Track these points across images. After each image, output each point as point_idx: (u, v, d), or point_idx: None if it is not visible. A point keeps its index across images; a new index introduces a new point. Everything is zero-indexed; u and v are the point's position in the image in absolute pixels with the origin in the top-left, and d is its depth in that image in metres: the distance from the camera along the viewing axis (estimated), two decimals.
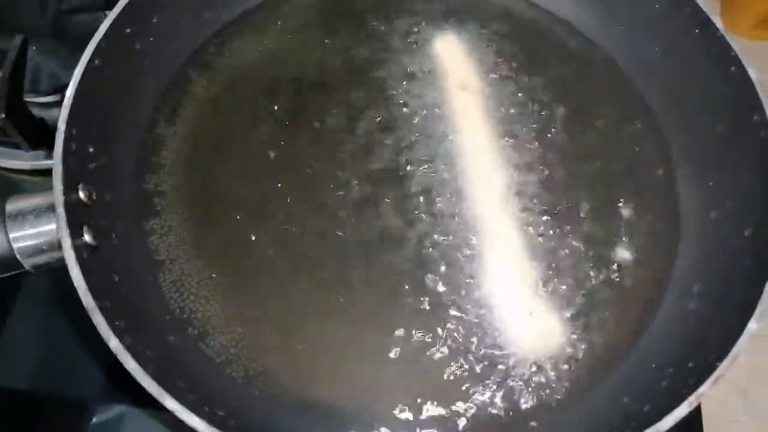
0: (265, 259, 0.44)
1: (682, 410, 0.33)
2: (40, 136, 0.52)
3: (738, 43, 0.45)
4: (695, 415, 0.47)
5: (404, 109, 0.49)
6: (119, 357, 0.33)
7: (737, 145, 0.45)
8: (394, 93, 0.50)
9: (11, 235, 0.36)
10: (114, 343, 0.34)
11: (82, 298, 0.34)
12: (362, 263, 0.44)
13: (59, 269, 0.38)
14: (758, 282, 0.38)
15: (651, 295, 0.44)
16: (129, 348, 0.34)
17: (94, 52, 0.41)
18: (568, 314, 0.43)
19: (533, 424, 0.41)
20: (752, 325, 0.36)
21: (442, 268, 0.44)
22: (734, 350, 0.35)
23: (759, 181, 0.43)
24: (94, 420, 0.49)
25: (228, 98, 0.49)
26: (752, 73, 0.43)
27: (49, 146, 0.52)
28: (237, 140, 0.48)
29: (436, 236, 0.45)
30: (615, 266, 0.45)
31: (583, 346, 0.43)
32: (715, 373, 0.35)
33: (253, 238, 0.45)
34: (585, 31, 0.54)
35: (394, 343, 0.42)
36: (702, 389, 0.34)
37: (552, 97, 0.51)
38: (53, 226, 0.37)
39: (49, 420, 0.49)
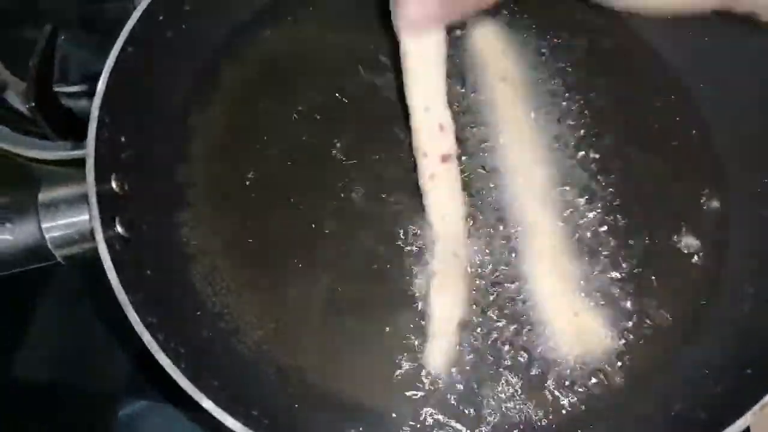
0: (297, 254, 0.43)
1: (746, 419, 0.32)
2: (67, 126, 0.51)
3: None
4: None
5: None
6: (154, 354, 0.32)
7: None
8: None
9: (44, 225, 0.36)
10: (148, 338, 0.32)
11: (116, 292, 0.33)
12: (398, 261, 0.43)
13: (88, 263, 0.37)
14: None
15: (702, 296, 0.43)
16: (162, 345, 0.33)
17: (127, 38, 0.40)
18: (614, 314, 0.42)
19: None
20: None
21: (484, 261, 0.43)
22: None
23: None
24: (120, 413, 0.48)
25: (259, 88, 0.48)
26: None
27: (77, 137, 0.51)
28: (269, 132, 0.47)
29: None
30: (664, 265, 0.43)
31: (629, 348, 0.41)
32: None
33: (286, 233, 0.43)
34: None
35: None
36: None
37: (600, 91, 0.49)
38: (85, 216, 0.36)
39: (75, 413, 0.49)
